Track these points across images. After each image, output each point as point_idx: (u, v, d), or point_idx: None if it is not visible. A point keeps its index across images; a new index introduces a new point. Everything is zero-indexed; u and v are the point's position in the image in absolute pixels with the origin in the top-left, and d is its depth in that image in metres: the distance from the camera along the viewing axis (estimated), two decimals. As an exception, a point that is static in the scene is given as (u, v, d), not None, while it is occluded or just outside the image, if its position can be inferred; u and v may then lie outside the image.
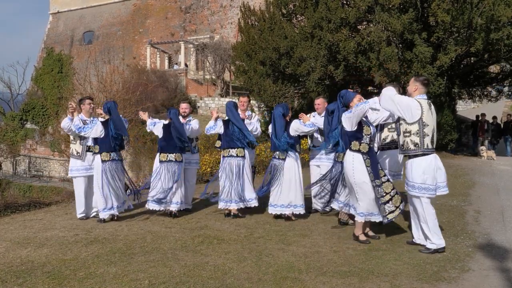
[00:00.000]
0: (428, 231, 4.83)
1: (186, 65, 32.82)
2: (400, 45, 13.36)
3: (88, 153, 6.54)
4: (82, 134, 6.30)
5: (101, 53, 36.62)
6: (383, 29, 12.93)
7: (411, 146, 4.79)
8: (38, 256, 4.71)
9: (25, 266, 4.38)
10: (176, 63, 34.79)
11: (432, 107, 4.90)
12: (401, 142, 4.92)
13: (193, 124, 6.99)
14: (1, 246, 5.11)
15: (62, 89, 26.19)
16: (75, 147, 6.53)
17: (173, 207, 6.49)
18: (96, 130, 6.19)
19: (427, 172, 4.76)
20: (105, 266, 4.35)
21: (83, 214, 6.55)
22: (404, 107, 4.78)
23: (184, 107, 7.07)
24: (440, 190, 4.86)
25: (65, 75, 33.79)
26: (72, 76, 32.61)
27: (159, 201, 6.44)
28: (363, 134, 5.13)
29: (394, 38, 13.06)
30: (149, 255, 4.72)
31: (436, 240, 4.80)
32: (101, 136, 6.20)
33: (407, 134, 4.81)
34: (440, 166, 4.87)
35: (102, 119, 6.32)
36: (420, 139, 4.76)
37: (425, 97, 4.90)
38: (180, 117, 6.94)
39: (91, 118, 6.45)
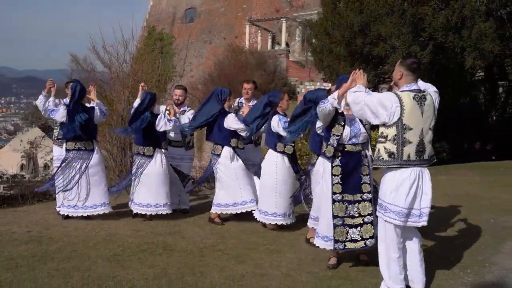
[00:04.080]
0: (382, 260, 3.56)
1: (287, 45, 31.35)
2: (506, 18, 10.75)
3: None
4: (51, 116, 5.81)
5: (202, 32, 36.38)
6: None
7: (385, 157, 3.45)
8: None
9: None
10: (278, 43, 33.25)
11: (427, 102, 3.44)
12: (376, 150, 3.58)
13: (182, 118, 5.99)
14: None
15: (162, 70, 26.99)
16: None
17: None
18: (60, 113, 5.60)
19: (401, 191, 3.41)
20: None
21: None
22: (375, 106, 3.45)
23: (178, 93, 6.19)
24: (422, 219, 3.45)
25: (165, 55, 34.54)
26: (172, 56, 33.36)
27: None
28: (331, 134, 4.03)
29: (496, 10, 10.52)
30: (67, 261, 4.19)
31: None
32: (63, 121, 5.63)
33: (382, 140, 3.47)
34: (427, 190, 3.43)
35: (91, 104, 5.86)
36: (397, 148, 3.40)
37: (415, 87, 3.48)
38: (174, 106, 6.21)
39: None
